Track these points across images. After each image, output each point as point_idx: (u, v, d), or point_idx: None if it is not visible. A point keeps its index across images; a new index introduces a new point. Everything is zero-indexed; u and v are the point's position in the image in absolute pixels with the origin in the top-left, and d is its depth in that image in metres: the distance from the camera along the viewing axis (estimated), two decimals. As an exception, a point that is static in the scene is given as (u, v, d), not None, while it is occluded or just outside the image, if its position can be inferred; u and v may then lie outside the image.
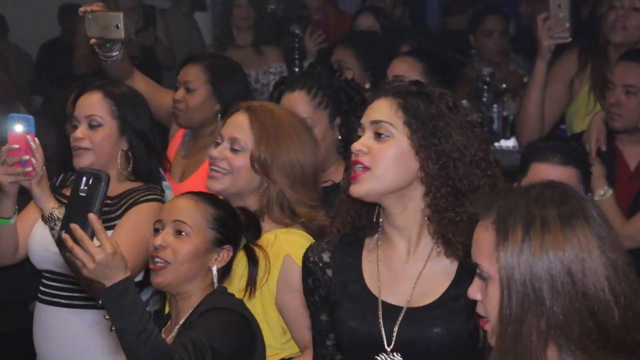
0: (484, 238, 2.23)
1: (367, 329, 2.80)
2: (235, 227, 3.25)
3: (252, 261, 3.33)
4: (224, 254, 3.19)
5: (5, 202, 3.67)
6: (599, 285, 2.17)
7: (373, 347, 2.79)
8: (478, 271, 2.24)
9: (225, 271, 3.25)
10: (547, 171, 3.07)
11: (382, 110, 2.79)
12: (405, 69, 4.48)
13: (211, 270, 3.17)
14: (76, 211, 2.82)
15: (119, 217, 3.81)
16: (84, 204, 2.82)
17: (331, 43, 6.01)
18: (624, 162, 4.60)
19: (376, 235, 2.87)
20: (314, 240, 3.25)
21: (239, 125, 3.49)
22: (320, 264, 2.95)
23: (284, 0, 6.42)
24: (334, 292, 2.91)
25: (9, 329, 4.49)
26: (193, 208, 3.20)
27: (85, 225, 2.75)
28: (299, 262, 3.15)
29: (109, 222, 3.76)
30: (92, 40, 4.51)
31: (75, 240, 2.73)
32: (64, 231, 2.78)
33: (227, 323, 3.02)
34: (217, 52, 6.20)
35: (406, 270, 2.83)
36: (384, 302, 2.81)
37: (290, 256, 3.34)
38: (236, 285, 3.31)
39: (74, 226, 2.74)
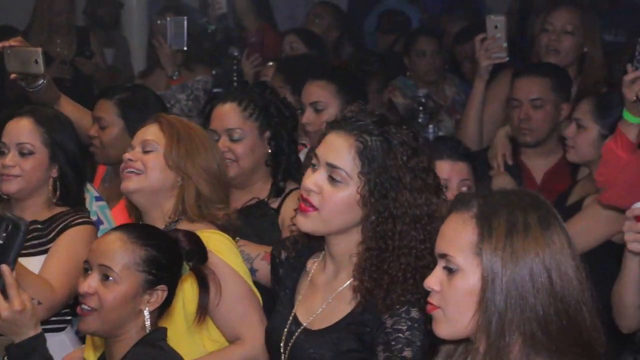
0: (462, 231, 2.29)
1: (276, 335, 2.96)
2: (170, 264, 3.05)
3: (203, 286, 3.18)
4: (158, 295, 3.00)
5: None
6: (572, 288, 2.28)
7: (275, 353, 2.95)
8: (444, 263, 2.30)
9: (163, 309, 3.08)
10: (443, 167, 3.14)
11: (341, 155, 2.83)
12: (319, 93, 4.61)
13: (141, 314, 3.00)
14: None
15: (51, 241, 3.79)
16: (1, 250, 2.82)
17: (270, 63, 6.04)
18: (531, 176, 4.76)
19: (323, 252, 2.94)
20: (229, 238, 3.42)
21: (149, 130, 3.52)
22: (277, 260, 3.08)
23: (223, 23, 6.39)
24: (277, 291, 3.08)
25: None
26: (120, 250, 3.00)
27: None
28: (221, 254, 3.37)
29: (41, 247, 3.81)
30: (12, 75, 4.54)
31: None
32: None
33: None
34: (131, 84, 6.16)
35: (324, 293, 2.93)
36: (295, 316, 2.94)
37: (211, 250, 3.31)
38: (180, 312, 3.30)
39: None
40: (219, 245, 3.36)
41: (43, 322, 3.25)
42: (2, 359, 2.88)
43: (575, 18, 5.16)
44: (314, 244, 2.98)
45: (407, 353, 2.72)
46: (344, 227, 2.84)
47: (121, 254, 2.98)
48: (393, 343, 2.75)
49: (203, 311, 3.21)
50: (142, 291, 2.98)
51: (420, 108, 5.75)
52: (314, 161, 2.87)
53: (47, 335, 2.97)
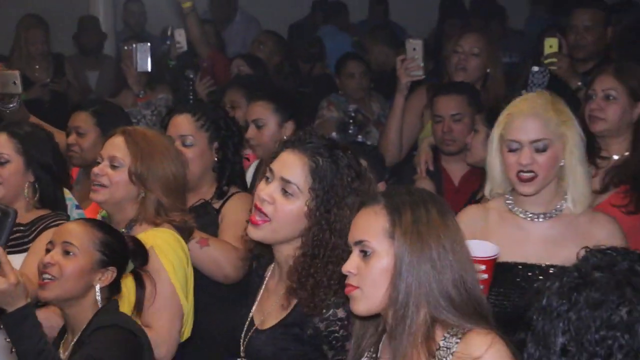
0: (374, 220, 2.37)
1: (237, 333, 3.01)
2: (121, 251, 3.16)
3: (140, 284, 3.28)
4: (108, 275, 3.08)
5: None
6: (467, 266, 2.40)
7: (236, 347, 3.01)
8: (359, 248, 2.38)
9: (113, 291, 3.15)
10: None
11: (295, 171, 2.82)
12: (260, 111, 4.62)
13: (93, 289, 3.07)
14: None
15: (32, 241, 3.76)
16: None
17: (220, 86, 6.10)
18: (449, 179, 4.76)
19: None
20: (178, 236, 3.43)
21: (116, 145, 3.51)
22: (254, 266, 3.16)
23: (183, 59, 6.34)
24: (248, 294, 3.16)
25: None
26: (82, 231, 3.10)
27: None
28: (159, 254, 3.34)
29: (22, 246, 3.78)
30: None
31: None
32: None
33: (114, 341, 2.96)
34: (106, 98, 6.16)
35: (274, 296, 2.96)
36: (251, 317, 2.99)
37: (152, 247, 3.33)
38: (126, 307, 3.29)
39: None
40: (162, 244, 3.39)
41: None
42: (10, 351, 2.91)
43: (481, 42, 5.21)
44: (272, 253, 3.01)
45: (349, 345, 2.68)
46: (290, 237, 2.86)
47: (82, 234, 3.07)
48: (334, 342, 2.78)
49: (139, 305, 3.26)
50: (96, 268, 3.06)
51: (351, 121, 5.77)
52: (268, 174, 2.87)
53: None
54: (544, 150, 3.06)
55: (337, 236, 2.77)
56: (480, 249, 2.76)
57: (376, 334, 2.51)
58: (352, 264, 2.38)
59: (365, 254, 2.37)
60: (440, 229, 2.36)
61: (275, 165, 2.85)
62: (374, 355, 2.49)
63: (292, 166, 2.82)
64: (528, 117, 3.09)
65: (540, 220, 3.15)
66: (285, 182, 2.81)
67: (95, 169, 3.53)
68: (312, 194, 2.79)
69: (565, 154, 3.09)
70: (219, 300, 3.87)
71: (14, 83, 4.44)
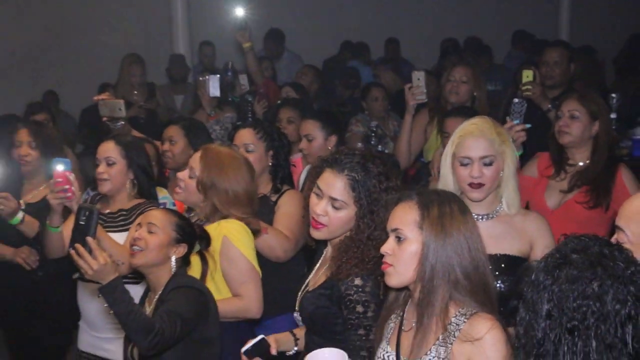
0: (408, 214, 2.39)
1: (296, 294, 3.08)
2: (190, 233, 3.25)
3: (204, 262, 3.35)
4: (181, 249, 3.18)
5: (55, 217, 3.70)
6: (480, 254, 2.39)
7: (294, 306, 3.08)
8: (395, 234, 2.40)
9: (184, 263, 3.24)
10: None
11: (338, 189, 2.84)
12: (310, 128, 4.61)
13: (170, 259, 3.17)
14: (79, 234, 2.91)
15: (132, 222, 3.77)
16: (83, 230, 2.92)
17: (273, 106, 6.07)
18: None
19: None
20: (242, 223, 3.43)
21: (195, 159, 3.53)
22: (314, 247, 3.18)
23: (246, 97, 6.37)
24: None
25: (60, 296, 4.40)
26: (162, 215, 3.22)
27: (85, 244, 2.84)
28: (234, 240, 3.36)
29: (125, 227, 3.82)
30: (104, 119, 4.56)
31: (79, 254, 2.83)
32: (71, 248, 2.88)
33: (188, 296, 3.04)
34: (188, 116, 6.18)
35: (322, 268, 3.00)
36: (307, 282, 3.05)
37: (226, 237, 3.36)
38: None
39: (78, 245, 2.85)
40: (233, 232, 3.39)
41: (124, 277, 3.35)
42: (98, 296, 2.93)
43: (469, 73, 5.16)
44: None
45: (359, 307, 2.73)
46: (342, 234, 2.90)
47: (162, 217, 3.21)
48: (348, 303, 2.77)
49: (203, 277, 3.31)
50: (172, 243, 3.17)
51: (373, 134, 5.74)
52: (317, 191, 2.90)
53: (128, 286, 3.00)
54: (490, 164, 3.03)
55: (377, 228, 2.77)
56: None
57: (403, 301, 2.52)
58: (388, 246, 2.41)
59: (399, 239, 2.40)
60: (461, 223, 2.38)
61: (322, 185, 2.87)
62: (400, 315, 2.52)
63: (336, 186, 2.84)
64: (477, 138, 3.04)
65: (484, 220, 3.10)
66: (333, 199, 2.84)
67: (179, 174, 3.60)
68: (356, 203, 2.82)
69: (504, 167, 3.06)
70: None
71: (119, 109, 4.47)
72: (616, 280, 1.85)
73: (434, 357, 2.35)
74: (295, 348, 3.06)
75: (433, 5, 11.63)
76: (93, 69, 9.32)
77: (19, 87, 9.13)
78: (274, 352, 2.94)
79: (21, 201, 4.20)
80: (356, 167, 2.83)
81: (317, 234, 2.92)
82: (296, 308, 3.04)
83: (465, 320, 2.32)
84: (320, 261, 3.06)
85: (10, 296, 4.54)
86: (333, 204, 2.84)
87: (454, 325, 2.33)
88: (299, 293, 3.04)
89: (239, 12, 7.51)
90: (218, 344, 3.17)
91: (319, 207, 2.86)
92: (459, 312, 2.35)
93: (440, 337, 2.35)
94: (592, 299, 1.84)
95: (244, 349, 2.92)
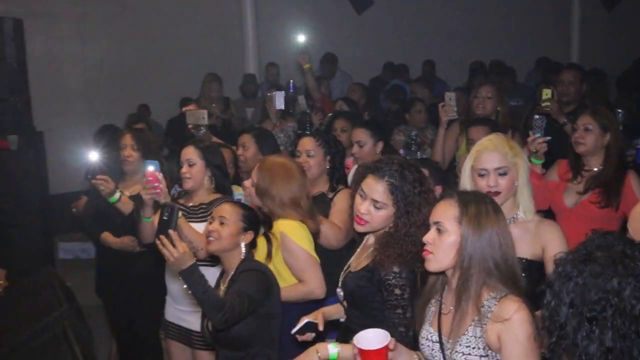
0: (449, 209, 2.38)
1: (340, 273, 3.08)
2: (255, 221, 3.28)
3: (269, 242, 3.38)
4: (249, 236, 3.21)
5: (147, 209, 3.77)
6: (509, 248, 2.38)
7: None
8: (437, 227, 2.39)
9: (252, 247, 3.26)
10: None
11: (379, 193, 2.84)
12: (361, 135, 4.56)
13: (240, 245, 3.19)
14: (162, 228, 2.95)
15: (210, 214, 3.67)
16: (166, 224, 2.97)
17: (328, 117, 6.01)
18: None
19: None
20: (299, 222, 3.43)
21: (255, 170, 3.54)
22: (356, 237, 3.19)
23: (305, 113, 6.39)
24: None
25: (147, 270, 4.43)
26: (231, 209, 3.23)
27: (167, 236, 2.89)
28: (291, 235, 3.35)
29: (204, 218, 3.76)
30: (189, 126, 4.62)
31: (163, 244, 2.89)
32: (156, 239, 2.92)
33: (254, 277, 3.07)
34: (258, 125, 6.15)
35: (364, 253, 3.01)
36: (349, 264, 3.06)
37: (283, 232, 3.37)
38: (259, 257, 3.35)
39: (162, 237, 2.90)
40: (288, 228, 3.40)
41: (203, 261, 3.45)
42: (179, 279, 2.98)
43: (493, 90, 5.11)
44: None
45: (397, 290, 2.73)
46: (382, 228, 2.91)
47: (231, 210, 3.24)
48: (387, 286, 2.77)
49: (269, 255, 3.36)
50: (241, 232, 3.19)
51: (413, 142, 5.68)
52: (361, 193, 2.90)
53: (205, 268, 3.09)
54: (504, 174, 2.97)
55: (412, 226, 2.78)
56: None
57: (441, 287, 2.49)
58: (430, 236, 2.39)
59: (439, 231, 2.37)
60: (494, 221, 2.34)
61: (366, 188, 2.87)
62: (439, 299, 2.48)
63: (377, 190, 2.84)
64: (492, 152, 2.99)
65: None
66: (374, 201, 2.84)
67: (245, 182, 3.65)
68: (394, 205, 2.82)
69: (518, 178, 3.00)
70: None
71: (203, 118, 4.53)
72: (635, 278, 1.79)
73: (471, 336, 2.32)
74: (346, 316, 3.08)
75: (464, 32, 11.58)
76: (177, 85, 9.39)
77: (117, 100, 9.27)
78: (321, 327, 2.97)
79: (119, 189, 4.29)
80: (395, 174, 2.83)
81: (360, 229, 2.94)
82: (339, 285, 3.06)
83: (496, 302, 2.29)
84: (360, 247, 3.07)
85: (117, 278, 4.60)
86: (374, 204, 2.85)
87: (487, 307, 2.31)
88: (342, 273, 3.06)
89: (301, 38, 7.58)
90: (280, 319, 3.17)
91: (363, 206, 2.87)
92: (490, 295, 2.32)
93: (476, 319, 2.32)
94: (611, 293, 1.78)
95: (293, 330, 2.96)
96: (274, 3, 10.23)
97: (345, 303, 3.05)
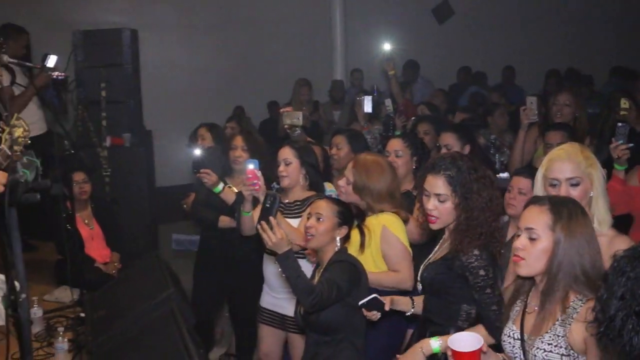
0: (541, 216, 2.29)
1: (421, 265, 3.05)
2: (349, 216, 3.26)
3: (362, 234, 3.37)
4: (343, 231, 3.20)
5: (247, 204, 3.81)
6: (596, 253, 2.28)
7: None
8: (528, 234, 2.29)
9: (345, 240, 3.23)
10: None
11: (439, 187, 2.82)
12: (449, 139, 4.48)
13: (335, 239, 3.19)
14: (264, 215, 2.98)
15: (304, 210, 3.77)
16: (268, 211, 3.00)
17: (412, 121, 5.92)
18: None
19: None
20: (395, 215, 3.42)
21: (348, 168, 3.55)
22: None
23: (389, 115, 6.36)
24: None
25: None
26: (326, 205, 3.22)
27: (268, 222, 2.93)
28: (391, 228, 3.35)
29: (299, 213, 3.81)
30: (285, 126, 4.65)
31: (263, 229, 2.92)
32: (258, 225, 2.98)
33: (344, 268, 3.07)
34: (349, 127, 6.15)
35: (442, 245, 2.97)
36: (429, 259, 3.02)
37: (385, 226, 3.36)
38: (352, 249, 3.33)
39: (263, 222, 2.93)
40: (390, 222, 3.40)
41: (297, 253, 3.40)
42: (274, 263, 3.07)
43: (571, 98, 4.96)
44: None
45: (481, 272, 2.68)
46: (452, 221, 2.84)
47: (326, 207, 3.23)
48: (472, 269, 2.73)
49: (362, 246, 3.35)
50: (336, 227, 3.19)
51: (492, 145, 5.58)
52: (425, 193, 2.88)
53: (300, 260, 3.12)
54: (577, 185, 2.71)
55: (474, 210, 2.75)
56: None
57: (528, 288, 2.42)
58: (521, 243, 2.31)
59: (532, 237, 2.28)
60: (584, 227, 2.26)
61: (427, 187, 2.85)
62: (525, 300, 2.41)
63: (437, 185, 2.81)
64: (564, 161, 2.73)
65: None
66: (437, 195, 2.81)
67: (339, 182, 3.62)
68: (454, 194, 2.78)
69: (593, 189, 2.73)
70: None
71: (298, 119, 4.53)
72: None
73: (553, 335, 2.26)
74: (412, 310, 3.04)
75: (541, 39, 11.33)
76: (270, 89, 9.54)
77: (217, 103, 9.47)
78: (387, 308, 2.93)
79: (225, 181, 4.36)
80: (449, 166, 2.80)
81: (434, 226, 2.89)
82: (418, 279, 3.03)
83: (582, 304, 2.22)
84: (439, 244, 3.02)
85: (220, 264, 4.67)
86: (438, 199, 2.81)
87: (572, 309, 2.23)
88: (421, 267, 3.01)
89: (386, 47, 7.52)
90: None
91: (430, 204, 2.84)
92: (577, 297, 2.25)
93: (560, 319, 2.25)
94: None
95: (360, 302, 2.92)
96: (361, 14, 10.23)
97: (424, 294, 3.02)
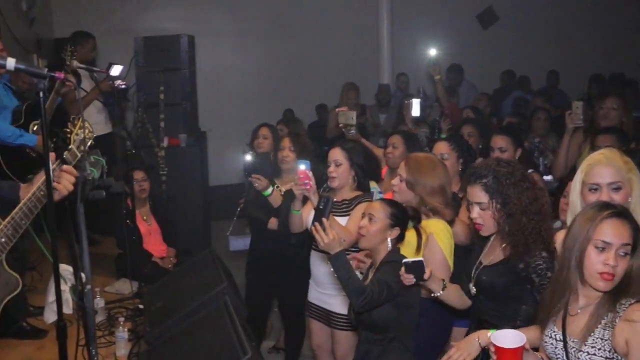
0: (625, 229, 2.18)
1: (469, 270, 3.00)
2: (402, 218, 3.18)
3: (419, 235, 3.26)
4: (395, 232, 3.13)
5: (297, 203, 3.82)
6: None
7: (469, 280, 2.98)
8: (625, 249, 2.17)
9: (398, 241, 3.16)
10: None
11: (479, 196, 2.81)
12: (502, 142, 4.42)
13: (386, 240, 3.14)
14: (317, 216, 3.04)
15: (352, 209, 3.77)
16: (321, 213, 3.06)
17: (456, 124, 5.88)
18: None
19: None
20: (445, 223, 3.33)
21: (401, 167, 3.49)
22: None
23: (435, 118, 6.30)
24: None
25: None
26: (380, 207, 3.16)
27: (321, 223, 2.94)
28: (437, 238, 3.24)
29: (347, 213, 3.79)
30: (340, 125, 4.61)
31: (317, 230, 2.93)
32: (312, 226, 2.99)
33: (395, 269, 2.95)
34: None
35: (493, 250, 2.91)
36: (480, 260, 2.96)
37: (432, 234, 3.27)
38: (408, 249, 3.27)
39: (316, 223, 2.95)
40: (438, 231, 3.31)
41: (348, 250, 3.32)
42: (325, 262, 3.09)
43: (617, 102, 4.85)
44: None
45: (549, 273, 2.62)
46: (498, 227, 2.81)
47: (380, 208, 3.16)
48: (539, 271, 2.66)
49: (419, 247, 3.21)
50: (387, 228, 3.12)
51: (536, 148, 5.49)
52: (469, 202, 2.87)
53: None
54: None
55: (515, 213, 2.72)
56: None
57: (569, 289, 2.34)
58: (613, 260, 2.17)
59: (624, 255, 2.17)
60: None
61: (469, 197, 2.85)
62: (566, 302, 2.35)
63: (476, 194, 2.81)
64: (605, 166, 2.62)
65: None
66: (478, 204, 2.81)
67: (393, 181, 3.55)
68: (493, 201, 2.77)
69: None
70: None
71: (352, 118, 4.51)
72: None
73: (597, 338, 2.18)
74: (439, 293, 2.94)
75: (586, 44, 11.09)
76: (319, 93, 9.56)
77: (267, 105, 9.54)
78: (426, 276, 2.83)
79: (275, 184, 4.38)
80: (485, 174, 2.79)
81: (482, 234, 2.88)
82: (472, 281, 2.94)
83: (627, 307, 2.15)
84: (488, 245, 2.94)
85: (270, 261, 4.68)
86: (480, 207, 2.80)
87: (619, 311, 2.16)
88: (473, 268, 2.95)
89: (432, 52, 7.48)
90: (416, 309, 3.12)
91: (473, 212, 2.84)
92: (625, 299, 2.17)
93: (604, 321, 2.18)
94: None
95: (404, 260, 2.88)
96: (407, 19, 10.18)
97: (478, 296, 2.96)
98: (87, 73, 5.34)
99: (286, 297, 4.71)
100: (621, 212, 2.19)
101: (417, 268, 2.81)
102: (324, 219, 2.97)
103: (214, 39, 9.84)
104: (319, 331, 4.06)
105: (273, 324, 5.54)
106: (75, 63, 4.77)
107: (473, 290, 2.96)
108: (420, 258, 2.87)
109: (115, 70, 5.15)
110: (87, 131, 2.85)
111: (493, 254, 2.91)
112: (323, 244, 2.92)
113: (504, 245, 2.82)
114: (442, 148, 4.04)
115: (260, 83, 10.19)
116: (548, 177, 5.05)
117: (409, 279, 2.82)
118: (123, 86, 5.28)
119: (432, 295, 2.97)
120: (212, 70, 9.66)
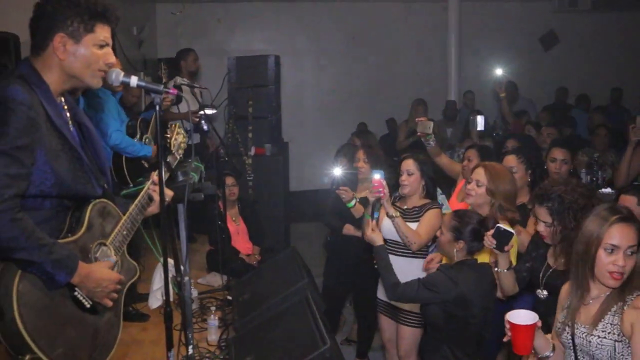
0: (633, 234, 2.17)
1: (536, 274, 3.01)
2: (463, 231, 3.02)
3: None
4: (459, 245, 3.01)
5: (370, 208, 3.68)
6: None
7: (537, 284, 3.00)
8: (632, 250, 2.16)
9: (470, 252, 3.04)
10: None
11: (543, 215, 2.88)
12: (562, 155, 4.29)
13: (453, 251, 3.06)
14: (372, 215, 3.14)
15: (422, 215, 3.73)
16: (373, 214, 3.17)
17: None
18: None
19: None
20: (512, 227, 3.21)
21: (479, 173, 3.45)
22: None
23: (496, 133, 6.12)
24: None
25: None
26: (446, 220, 3.12)
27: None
28: None
29: (417, 218, 3.75)
30: (419, 134, 4.48)
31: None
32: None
33: (439, 277, 2.93)
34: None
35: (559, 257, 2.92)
36: (547, 263, 2.98)
37: None
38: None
39: (368, 220, 3.06)
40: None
41: (398, 251, 3.50)
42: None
43: None
44: None
45: None
46: (558, 239, 2.84)
47: (446, 221, 3.12)
48: None
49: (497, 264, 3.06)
50: (452, 241, 3.04)
51: (595, 162, 5.29)
52: (536, 218, 2.92)
53: (395, 257, 3.25)
54: None
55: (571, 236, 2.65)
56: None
57: (587, 282, 2.30)
58: (622, 262, 2.16)
59: (630, 254, 2.16)
60: None
61: (537, 215, 2.92)
62: (579, 292, 2.31)
63: (541, 214, 2.89)
64: None
65: None
66: (544, 222, 2.88)
67: (468, 186, 3.50)
68: (555, 222, 2.84)
69: None
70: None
71: (429, 127, 4.37)
72: None
73: (607, 323, 2.17)
74: (505, 270, 2.92)
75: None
76: (390, 108, 9.54)
77: (342, 119, 9.61)
78: (507, 249, 2.82)
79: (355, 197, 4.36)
80: (553, 196, 2.82)
81: (547, 242, 2.94)
82: (541, 285, 2.93)
83: (634, 297, 2.15)
84: (553, 255, 2.94)
85: (345, 261, 4.70)
86: (545, 224, 2.86)
87: (629, 299, 2.16)
88: (540, 274, 2.93)
89: (498, 71, 7.32)
90: (475, 326, 2.92)
91: (539, 227, 2.91)
92: (630, 294, 2.17)
93: (613, 310, 2.17)
94: None
95: (498, 224, 2.84)
96: (473, 39, 10.03)
97: (546, 298, 2.93)
98: (189, 88, 5.51)
99: (359, 294, 4.71)
100: (627, 217, 2.19)
101: (504, 237, 2.78)
102: (373, 221, 3.19)
103: (296, 58, 10.00)
104: (388, 326, 4.03)
105: (346, 318, 5.55)
106: (179, 80, 4.91)
107: (544, 293, 2.91)
108: (512, 230, 2.84)
109: (209, 111, 5.18)
110: (182, 136, 2.94)
111: (557, 261, 2.88)
112: (367, 238, 3.12)
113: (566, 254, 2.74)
114: (511, 162, 3.91)
115: (336, 98, 10.27)
116: (606, 190, 4.86)
117: (491, 241, 2.81)
118: (211, 113, 5.31)
119: (495, 269, 2.96)
120: (294, 86, 9.81)
